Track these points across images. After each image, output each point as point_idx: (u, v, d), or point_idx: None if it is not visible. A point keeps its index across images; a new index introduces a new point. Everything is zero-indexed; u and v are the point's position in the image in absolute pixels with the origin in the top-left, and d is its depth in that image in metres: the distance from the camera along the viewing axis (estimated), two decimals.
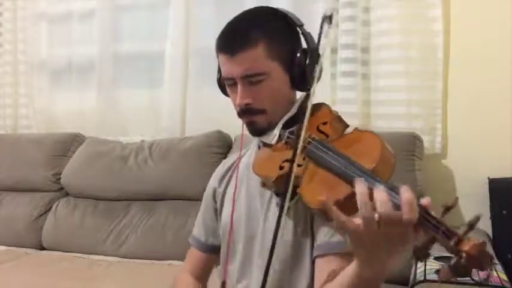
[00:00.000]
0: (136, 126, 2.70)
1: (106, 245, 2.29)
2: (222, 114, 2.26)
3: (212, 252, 1.25)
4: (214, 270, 1.29)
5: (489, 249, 1.79)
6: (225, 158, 2.04)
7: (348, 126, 1.02)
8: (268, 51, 1.01)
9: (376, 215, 0.70)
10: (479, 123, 2.09)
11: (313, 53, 1.04)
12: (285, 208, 0.87)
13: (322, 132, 0.98)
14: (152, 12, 2.66)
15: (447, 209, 0.70)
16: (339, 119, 1.02)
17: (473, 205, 2.09)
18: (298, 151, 0.90)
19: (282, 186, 0.90)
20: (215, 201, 1.23)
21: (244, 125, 1.11)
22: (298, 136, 0.91)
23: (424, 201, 0.71)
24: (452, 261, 0.67)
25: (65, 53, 2.84)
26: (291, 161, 0.89)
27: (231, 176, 1.20)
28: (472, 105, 2.10)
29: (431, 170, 2.11)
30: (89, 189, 2.47)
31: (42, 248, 2.44)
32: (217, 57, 1.07)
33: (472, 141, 2.10)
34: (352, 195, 0.74)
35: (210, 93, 2.45)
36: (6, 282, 1.95)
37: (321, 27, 0.96)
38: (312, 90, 0.95)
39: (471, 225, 0.67)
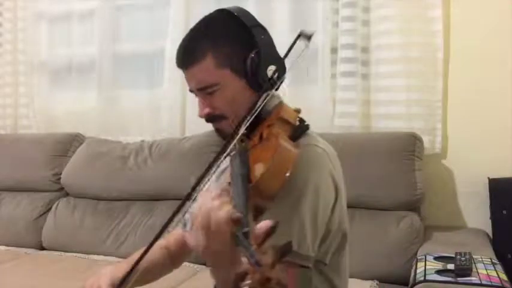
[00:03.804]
0: (137, 126, 2.69)
1: (106, 245, 2.29)
2: None
3: None
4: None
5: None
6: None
7: (304, 128, 1.00)
8: (217, 60, 1.00)
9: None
10: (479, 123, 2.09)
11: (267, 54, 1.01)
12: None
13: (260, 137, 0.93)
14: (152, 12, 2.67)
15: (268, 233, 0.65)
16: (282, 120, 0.97)
17: (473, 205, 2.10)
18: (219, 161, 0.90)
19: None
20: None
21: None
22: (227, 142, 0.91)
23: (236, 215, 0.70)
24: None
25: (65, 53, 2.84)
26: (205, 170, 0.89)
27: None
28: (472, 105, 2.11)
29: (431, 170, 2.11)
30: (89, 189, 2.46)
31: (42, 248, 2.44)
32: None
33: (472, 141, 2.10)
34: None
35: None
36: (6, 282, 1.95)
37: (294, 42, 0.96)
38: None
39: (282, 253, 0.62)
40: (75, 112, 2.82)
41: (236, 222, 0.68)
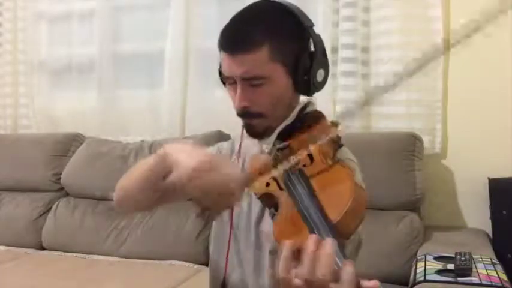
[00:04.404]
0: (137, 126, 2.69)
1: (106, 245, 2.29)
2: (222, 114, 2.26)
3: None
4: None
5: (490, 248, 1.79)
6: None
7: (341, 146, 0.97)
8: (272, 53, 0.95)
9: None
10: (479, 123, 2.09)
11: (320, 57, 0.99)
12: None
13: (310, 156, 0.88)
14: (152, 12, 2.66)
15: None
16: (332, 140, 0.93)
17: (473, 205, 2.10)
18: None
19: (266, 203, 0.87)
20: None
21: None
22: (281, 157, 0.88)
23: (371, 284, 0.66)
24: None
25: (65, 53, 2.84)
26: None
27: None
28: (472, 105, 2.11)
29: (431, 170, 2.11)
30: (89, 189, 2.46)
31: (42, 248, 2.44)
32: (219, 51, 1.02)
33: (472, 141, 2.10)
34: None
35: (210, 93, 2.45)
36: (6, 282, 1.95)
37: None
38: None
39: None
40: (75, 112, 2.82)
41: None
